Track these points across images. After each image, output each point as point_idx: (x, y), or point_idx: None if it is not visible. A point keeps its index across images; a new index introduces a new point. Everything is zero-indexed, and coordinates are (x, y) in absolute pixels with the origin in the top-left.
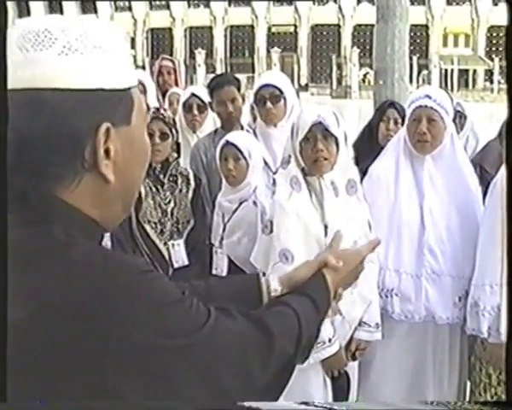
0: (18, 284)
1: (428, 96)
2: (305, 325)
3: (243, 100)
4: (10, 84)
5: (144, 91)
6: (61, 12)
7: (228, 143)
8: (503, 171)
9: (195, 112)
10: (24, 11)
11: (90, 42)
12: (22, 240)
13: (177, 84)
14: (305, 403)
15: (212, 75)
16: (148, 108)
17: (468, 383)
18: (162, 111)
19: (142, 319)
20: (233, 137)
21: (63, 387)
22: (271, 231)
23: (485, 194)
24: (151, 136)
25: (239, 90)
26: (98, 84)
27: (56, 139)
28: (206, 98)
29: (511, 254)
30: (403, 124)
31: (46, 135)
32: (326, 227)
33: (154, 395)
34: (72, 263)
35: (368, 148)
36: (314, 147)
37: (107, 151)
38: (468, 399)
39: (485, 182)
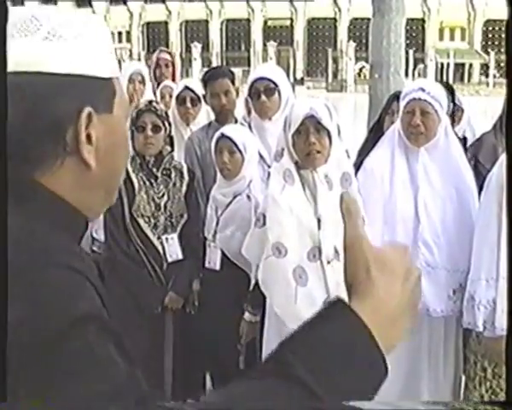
0: None
1: (422, 89)
2: None
3: (237, 93)
4: None
5: (143, 83)
6: (55, 5)
7: (223, 136)
8: (498, 165)
9: (189, 105)
10: (18, 0)
11: (74, 29)
12: None
13: (174, 77)
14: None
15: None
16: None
17: (463, 377)
18: (154, 104)
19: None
20: (228, 130)
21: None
22: (264, 224)
23: (480, 186)
24: (143, 128)
25: (233, 82)
26: (81, 70)
27: (36, 122)
28: (200, 91)
29: None
30: None
31: (26, 118)
32: (319, 221)
33: None
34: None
35: (375, 141)
36: (306, 140)
37: (88, 137)
38: (462, 392)
39: (479, 173)
